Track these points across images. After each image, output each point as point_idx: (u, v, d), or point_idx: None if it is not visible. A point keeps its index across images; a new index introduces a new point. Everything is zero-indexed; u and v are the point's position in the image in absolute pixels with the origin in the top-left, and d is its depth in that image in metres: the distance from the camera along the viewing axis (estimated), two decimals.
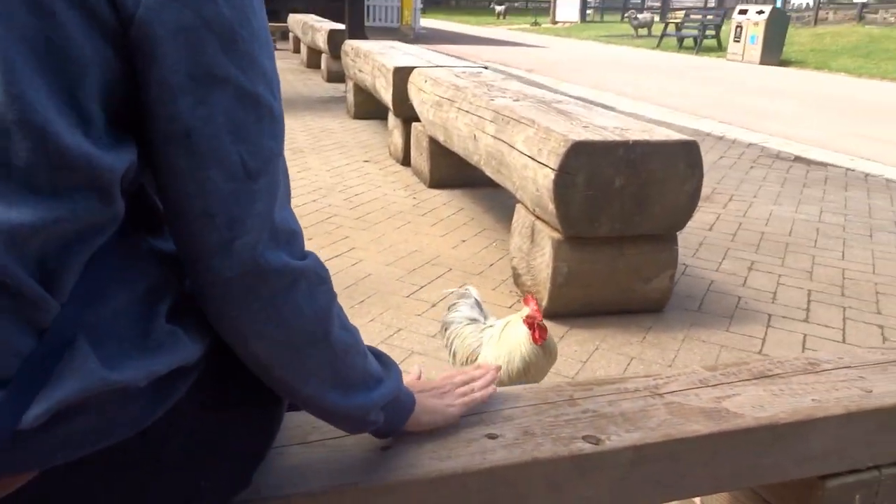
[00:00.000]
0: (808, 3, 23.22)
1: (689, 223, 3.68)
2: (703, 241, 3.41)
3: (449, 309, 1.95)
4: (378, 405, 0.84)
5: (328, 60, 8.46)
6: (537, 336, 1.66)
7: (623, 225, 2.38)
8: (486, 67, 4.41)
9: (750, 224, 3.72)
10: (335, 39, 8.06)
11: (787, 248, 3.38)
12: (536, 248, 2.52)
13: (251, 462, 0.83)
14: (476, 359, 1.77)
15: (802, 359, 1.30)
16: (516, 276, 2.74)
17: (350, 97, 6.28)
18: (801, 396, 1.15)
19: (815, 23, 20.37)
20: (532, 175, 2.45)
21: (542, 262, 2.46)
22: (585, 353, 2.28)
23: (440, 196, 3.97)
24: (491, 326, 1.81)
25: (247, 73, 0.66)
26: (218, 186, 0.66)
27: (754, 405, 1.12)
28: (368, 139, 5.44)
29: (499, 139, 2.80)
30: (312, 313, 0.73)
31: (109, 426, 0.65)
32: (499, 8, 36.54)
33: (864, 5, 19.70)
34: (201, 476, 0.74)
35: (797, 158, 5.34)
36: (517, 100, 3.05)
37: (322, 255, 2.99)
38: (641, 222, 2.39)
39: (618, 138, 2.32)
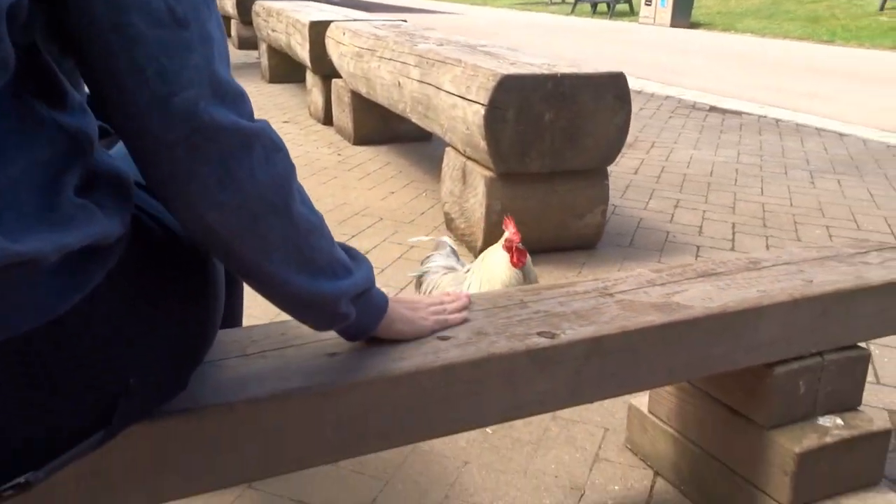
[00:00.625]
0: None
1: (615, 168, 3.73)
2: (629, 184, 3.46)
3: (423, 262, 1.88)
4: (349, 294, 0.79)
5: (238, 27, 8.10)
6: (515, 260, 1.60)
7: (554, 160, 2.36)
8: (405, 20, 4.30)
9: (673, 167, 3.79)
10: (245, 4, 7.73)
11: (710, 187, 3.46)
12: (468, 189, 2.48)
13: (186, 362, 0.76)
14: None
15: (744, 258, 1.31)
16: (449, 221, 2.70)
17: (264, 61, 6.05)
18: (747, 289, 1.15)
19: None
20: (461, 114, 2.40)
21: (476, 203, 2.43)
22: None
23: (365, 152, 3.88)
24: (469, 271, 1.75)
25: None
26: (143, 34, 0.58)
27: (703, 298, 1.11)
28: (286, 101, 5.25)
29: (425, 83, 2.73)
30: (270, 180, 0.67)
31: (16, 311, 0.57)
32: None
33: None
34: (128, 373, 0.66)
35: (712, 108, 5.49)
36: (441, 44, 2.98)
37: None
38: (572, 157, 2.38)
39: (546, 72, 2.29)
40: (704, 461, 1.30)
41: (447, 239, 1.88)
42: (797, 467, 1.12)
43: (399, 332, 0.92)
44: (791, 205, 3.22)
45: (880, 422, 1.22)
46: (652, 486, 1.39)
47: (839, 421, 1.20)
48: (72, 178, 0.61)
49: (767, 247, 2.71)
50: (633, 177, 3.59)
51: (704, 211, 3.10)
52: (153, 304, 0.69)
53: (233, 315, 1.22)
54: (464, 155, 2.52)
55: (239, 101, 0.65)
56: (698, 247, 2.69)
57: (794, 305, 1.12)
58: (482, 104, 2.24)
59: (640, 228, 2.86)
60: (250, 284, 0.75)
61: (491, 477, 1.41)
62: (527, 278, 1.64)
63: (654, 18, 14.63)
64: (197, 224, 0.67)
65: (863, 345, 1.25)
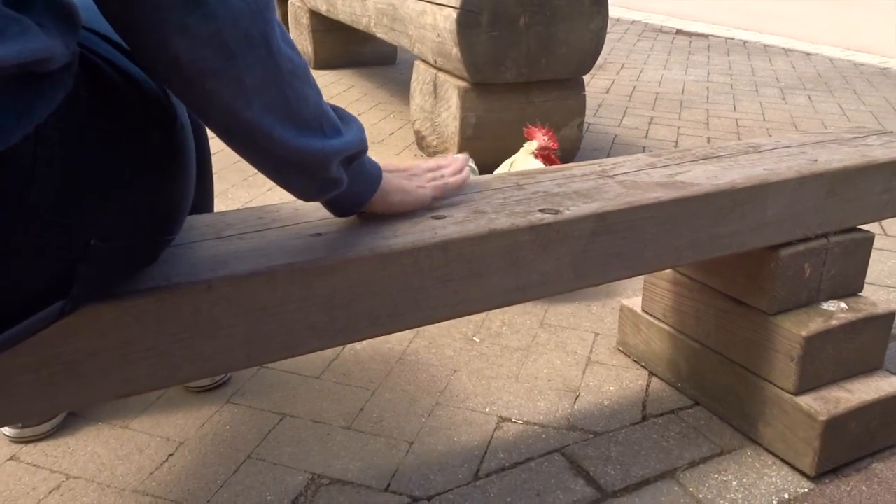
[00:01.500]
0: None
1: (586, 88, 3.63)
2: (601, 103, 3.37)
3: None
4: (340, 155, 0.69)
5: None
6: (552, 162, 1.36)
7: (530, 69, 2.25)
8: None
9: (644, 87, 3.71)
10: None
11: (682, 104, 3.40)
12: (441, 102, 2.36)
13: (155, 228, 0.66)
14: None
15: (743, 143, 1.25)
16: (420, 140, 2.59)
17: None
18: (752, 168, 1.09)
19: None
20: (431, 21, 2.27)
21: (449, 116, 2.32)
22: None
23: (328, 76, 3.71)
24: None
25: None
26: None
27: (709, 176, 1.04)
28: None
29: None
30: (244, 5, 0.57)
31: None
32: None
33: None
34: (87, 233, 0.57)
35: (679, 31, 5.39)
36: None
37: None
38: (548, 65, 2.28)
39: None
40: (703, 355, 1.25)
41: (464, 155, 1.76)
42: (804, 351, 1.08)
43: (397, 204, 0.84)
44: (764, 119, 3.18)
45: (883, 305, 1.18)
46: (648, 385, 1.36)
47: (843, 305, 1.16)
48: None
49: None
50: (604, 96, 3.50)
51: (679, 127, 3.04)
52: (111, 153, 0.59)
53: (203, 202, 1.12)
54: (435, 66, 2.40)
55: None
56: None
57: (800, 183, 1.06)
58: (454, 7, 2.11)
59: (617, 144, 2.79)
60: (228, 141, 0.65)
61: (482, 383, 1.35)
62: None
63: None
64: (161, 56, 0.56)
65: (866, 227, 1.20)
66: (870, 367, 1.19)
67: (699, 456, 1.16)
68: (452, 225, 0.85)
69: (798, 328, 1.09)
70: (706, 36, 5.23)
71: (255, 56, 0.59)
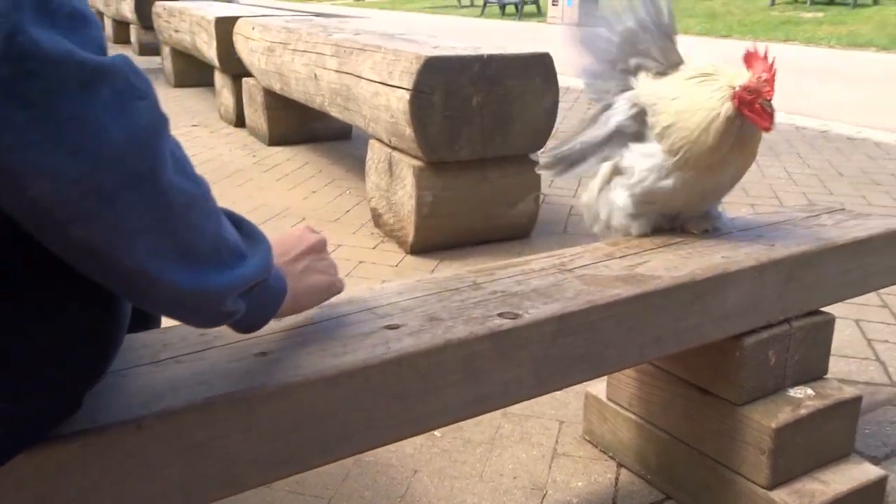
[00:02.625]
0: None
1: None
2: None
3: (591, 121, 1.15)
4: (238, 289, 0.62)
5: (138, 32, 7.71)
6: (768, 123, 0.98)
7: (484, 146, 2.26)
8: (317, 15, 4.14)
9: None
10: (144, 8, 7.34)
11: None
12: (396, 181, 2.35)
13: (75, 379, 0.60)
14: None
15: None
16: (376, 217, 2.56)
17: (168, 65, 5.74)
18: (711, 256, 1.07)
19: None
20: (385, 102, 2.27)
21: (404, 195, 2.30)
22: None
23: (282, 152, 3.69)
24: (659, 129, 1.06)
25: None
26: None
27: (668, 268, 1.02)
28: (195, 105, 4.98)
29: (343, 72, 2.59)
30: (126, 136, 0.48)
31: None
32: None
33: None
34: None
35: None
36: (358, 33, 2.85)
37: None
38: (502, 142, 2.29)
39: (472, 53, 2.19)
40: (672, 446, 1.21)
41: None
42: (774, 444, 1.05)
43: (308, 306, 0.80)
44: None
45: (850, 390, 1.16)
46: (617, 479, 1.30)
47: (810, 391, 1.14)
48: None
49: None
50: None
51: None
52: (18, 309, 0.53)
53: (147, 315, 1.05)
54: (389, 145, 2.39)
55: (80, 25, 0.48)
56: None
57: (760, 271, 1.05)
58: (407, 89, 2.12)
59: (573, 216, 2.80)
60: (107, 285, 0.56)
61: (444, 484, 1.29)
62: (743, 159, 1.06)
63: (562, 18, 14.90)
64: (17, 198, 0.47)
65: (826, 309, 1.19)
66: (841, 453, 1.16)
67: None
68: (407, 336, 0.80)
69: (767, 419, 1.06)
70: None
71: (139, 195, 0.50)
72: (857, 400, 1.15)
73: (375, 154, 2.50)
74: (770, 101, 0.98)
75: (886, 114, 5.19)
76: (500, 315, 0.86)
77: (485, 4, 18.25)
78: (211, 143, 3.88)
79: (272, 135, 3.80)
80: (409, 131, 2.16)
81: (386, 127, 2.32)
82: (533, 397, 0.90)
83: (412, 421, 0.80)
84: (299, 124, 3.78)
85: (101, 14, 9.85)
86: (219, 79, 4.37)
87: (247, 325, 0.70)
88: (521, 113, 2.28)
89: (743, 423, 1.08)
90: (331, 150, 3.75)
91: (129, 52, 8.04)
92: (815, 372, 1.18)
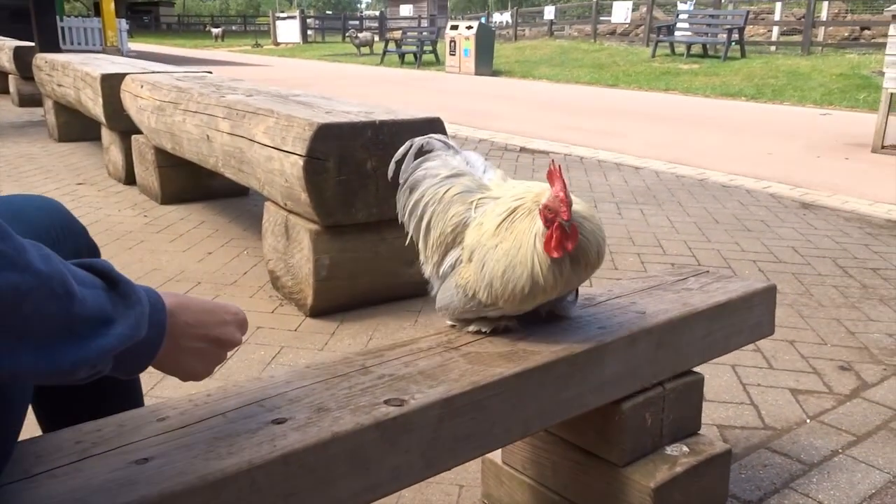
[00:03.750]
0: (507, 21, 25.73)
1: None
2: None
3: (413, 165, 1.17)
4: (96, 358, 0.63)
5: (17, 82, 7.39)
6: (554, 244, 0.95)
7: (381, 208, 2.30)
8: (210, 72, 4.10)
9: None
10: (24, 57, 7.06)
11: None
12: (293, 244, 2.35)
13: None
14: (461, 240, 1.06)
15: (581, 296, 1.31)
16: (275, 280, 2.54)
17: (51, 118, 5.50)
18: (588, 327, 1.14)
19: (516, 38, 22.67)
20: (279, 166, 2.28)
21: (302, 258, 2.30)
22: (360, 346, 2.16)
23: (176, 212, 3.60)
24: (488, 195, 1.07)
25: None
26: None
27: (548, 342, 1.08)
28: (80, 161, 4.79)
29: (236, 135, 2.58)
30: None
31: None
32: (215, 30, 35.41)
33: (552, 22, 22.33)
34: None
35: (522, 149, 5.77)
36: (250, 95, 2.85)
37: None
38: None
39: (364, 119, 2.24)
40: None
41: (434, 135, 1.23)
42: (654, 502, 1.11)
43: (192, 368, 0.80)
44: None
45: (720, 444, 1.25)
46: None
47: (685, 448, 1.22)
48: None
49: (592, 277, 2.83)
50: None
51: None
52: None
53: (125, 392, 1.02)
54: (285, 209, 2.39)
55: None
56: None
57: (632, 340, 1.12)
58: (300, 155, 2.14)
59: None
60: None
61: None
62: (578, 264, 0.99)
63: (460, 67, 15.37)
64: None
65: (696, 369, 1.28)
66: (716, 502, 1.24)
67: None
68: (293, 431, 0.81)
69: (646, 479, 1.13)
70: (546, 153, 5.63)
71: None
72: (728, 453, 1.24)
73: (271, 216, 2.49)
74: (568, 221, 0.95)
75: (756, 161, 5.63)
76: (386, 402, 0.88)
77: (384, 53, 18.57)
78: (98, 203, 3.74)
79: (164, 193, 3.70)
80: (304, 196, 2.17)
81: (281, 191, 2.32)
82: (423, 479, 0.92)
83: None
84: (193, 182, 3.71)
85: None
86: (106, 135, 4.24)
87: (123, 374, 0.71)
88: None
89: (625, 484, 1.15)
90: (227, 207, 3.69)
91: (8, 102, 7.66)
92: (689, 428, 1.27)
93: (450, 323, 1.15)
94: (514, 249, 0.99)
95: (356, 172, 2.21)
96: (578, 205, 1.00)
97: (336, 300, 2.34)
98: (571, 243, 0.96)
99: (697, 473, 1.18)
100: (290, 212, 2.37)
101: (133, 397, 1.04)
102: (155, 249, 3.01)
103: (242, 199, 3.83)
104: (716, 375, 2.02)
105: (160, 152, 3.58)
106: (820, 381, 2.02)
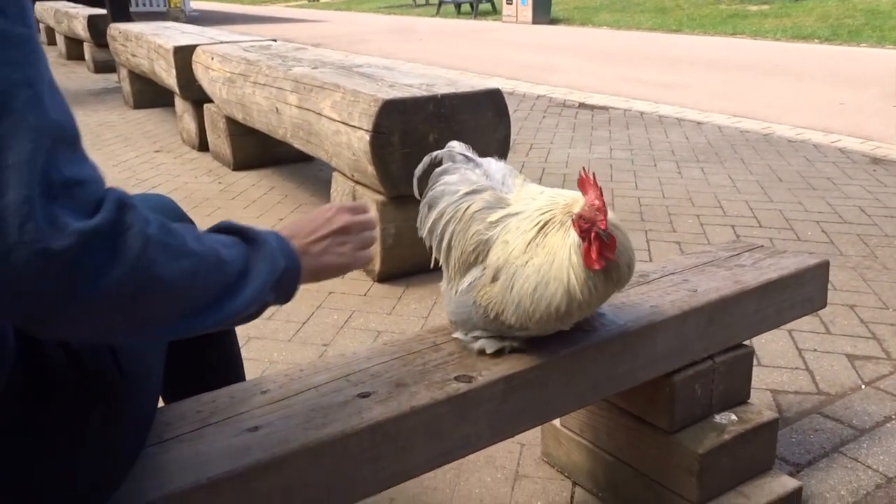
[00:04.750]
0: None
1: None
2: None
3: (431, 182, 1.14)
4: (255, 301, 0.73)
5: (92, 49, 7.67)
6: (595, 256, 0.93)
7: None
8: (274, 41, 4.22)
9: (552, 168, 3.94)
10: (97, 26, 7.31)
11: None
12: None
13: (88, 491, 0.72)
14: (484, 258, 1.02)
15: (636, 272, 1.39)
16: None
17: (126, 86, 5.75)
18: (640, 305, 1.22)
19: None
20: (346, 140, 2.39)
21: None
22: (425, 309, 2.29)
23: (248, 178, 3.78)
24: (509, 211, 1.03)
25: None
26: None
27: (602, 320, 1.17)
28: (155, 128, 5.02)
29: (304, 108, 2.70)
30: (122, 274, 0.58)
31: None
32: None
33: None
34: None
35: (581, 105, 5.74)
36: (315, 67, 2.95)
37: None
38: None
39: (426, 93, 2.32)
40: (617, 468, 1.37)
41: (455, 144, 1.19)
42: (701, 467, 1.21)
43: (329, 276, 0.90)
44: (664, 196, 3.43)
45: (768, 412, 1.33)
46: (572, 497, 1.46)
47: (733, 417, 1.30)
48: None
49: (647, 241, 2.87)
50: None
51: None
52: (40, 441, 0.65)
53: (229, 366, 1.16)
54: (352, 179, 2.52)
55: (75, 189, 0.56)
56: None
57: (683, 318, 1.20)
58: (366, 130, 2.24)
59: None
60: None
61: None
62: (610, 279, 0.97)
63: (517, 16, 15.09)
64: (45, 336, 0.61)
65: (746, 342, 1.36)
66: (763, 468, 1.33)
67: None
68: (376, 405, 0.94)
69: (695, 446, 1.22)
70: (606, 108, 5.58)
71: (147, 296, 0.61)
72: (775, 422, 1.32)
73: (339, 186, 2.62)
74: (605, 230, 0.92)
75: (826, 113, 5.45)
76: (456, 379, 1.00)
77: (440, 4, 18.34)
78: (176, 171, 3.95)
79: (236, 159, 3.88)
80: (370, 169, 2.28)
81: (348, 163, 2.44)
82: (488, 446, 1.04)
83: (385, 479, 0.93)
84: (263, 149, 3.87)
85: (51, 30, 9.74)
86: (179, 104, 4.43)
87: (283, 299, 0.81)
88: (476, 145, 2.40)
89: (674, 449, 1.24)
90: (295, 172, 3.84)
91: (84, 69, 7.98)
92: (738, 398, 1.35)
93: (455, 335, 1.10)
94: (546, 265, 0.95)
95: (419, 145, 2.30)
96: (611, 214, 0.96)
97: (401, 266, 2.47)
98: (611, 253, 0.93)
99: (744, 440, 1.27)
100: (358, 182, 2.49)
101: (236, 369, 1.19)
102: (231, 216, 3.19)
103: (309, 164, 3.98)
104: (771, 341, 2.07)
105: (231, 121, 3.74)
106: (879, 346, 2.04)
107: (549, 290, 0.95)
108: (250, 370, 1.38)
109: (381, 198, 2.36)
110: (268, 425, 0.90)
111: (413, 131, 2.29)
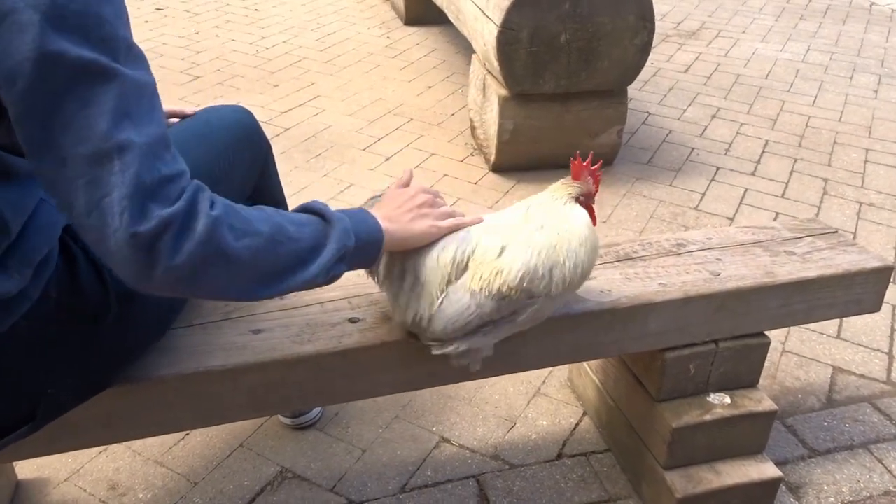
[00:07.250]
0: None
1: (665, 64, 3.61)
2: (674, 86, 3.37)
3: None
4: (324, 271, 0.87)
5: None
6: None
7: (569, 81, 2.37)
8: None
9: (728, 65, 3.63)
10: None
11: (759, 92, 3.33)
12: (487, 102, 2.54)
13: (98, 379, 0.97)
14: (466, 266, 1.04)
15: (672, 240, 1.40)
16: (473, 129, 2.78)
17: None
18: (650, 281, 1.26)
19: None
20: (481, 28, 2.41)
21: (491, 118, 2.49)
22: None
23: (415, 34, 3.88)
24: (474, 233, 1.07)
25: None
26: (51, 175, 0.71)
27: (602, 290, 1.23)
28: None
29: None
30: (196, 247, 0.74)
31: None
32: None
33: None
34: (45, 385, 0.89)
35: None
36: None
37: (285, 105, 3.02)
38: (588, 78, 2.38)
39: None
40: (615, 413, 1.47)
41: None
42: (672, 438, 1.28)
43: (414, 245, 1.03)
44: (840, 119, 3.08)
45: (767, 402, 1.34)
46: (577, 424, 1.59)
47: (727, 400, 1.33)
48: None
49: (791, 173, 2.67)
50: (681, 76, 3.48)
51: (742, 124, 3.02)
52: (59, 346, 0.89)
53: (272, 196, 1.35)
54: (484, 68, 2.56)
55: (165, 184, 0.72)
56: (717, 168, 2.68)
57: (685, 303, 1.23)
58: (496, 24, 2.25)
59: (666, 143, 2.85)
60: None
61: (440, 402, 1.64)
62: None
63: None
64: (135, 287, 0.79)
65: (767, 333, 1.35)
66: (749, 451, 1.37)
67: (587, 500, 1.41)
68: (357, 333, 1.12)
69: (672, 419, 1.29)
70: None
71: (217, 267, 0.76)
72: (771, 414, 1.33)
73: (475, 70, 2.67)
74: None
75: None
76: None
77: None
78: (353, 18, 4.13)
79: (408, 15, 3.98)
80: (496, 63, 2.31)
81: (481, 51, 2.47)
82: (456, 382, 1.19)
83: (355, 393, 1.14)
84: (434, 6, 3.91)
85: None
86: None
87: (360, 267, 0.98)
88: (610, 50, 2.34)
89: (656, 416, 1.32)
90: (459, 36, 3.87)
91: None
92: (742, 382, 1.36)
93: (436, 351, 1.06)
94: (563, 230, 1.04)
95: (548, 45, 2.28)
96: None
97: (517, 160, 2.54)
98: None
99: (728, 424, 1.31)
100: (488, 72, 2.52)
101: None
102: (386, 76, 3.36)
103: None
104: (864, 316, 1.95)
105: None
106: None
107: (589, 243, 1.04)
108: None
109: (504, 93, 2.40)
110: (268, 331, 1.11)
111: (543, 29, 2.25)
